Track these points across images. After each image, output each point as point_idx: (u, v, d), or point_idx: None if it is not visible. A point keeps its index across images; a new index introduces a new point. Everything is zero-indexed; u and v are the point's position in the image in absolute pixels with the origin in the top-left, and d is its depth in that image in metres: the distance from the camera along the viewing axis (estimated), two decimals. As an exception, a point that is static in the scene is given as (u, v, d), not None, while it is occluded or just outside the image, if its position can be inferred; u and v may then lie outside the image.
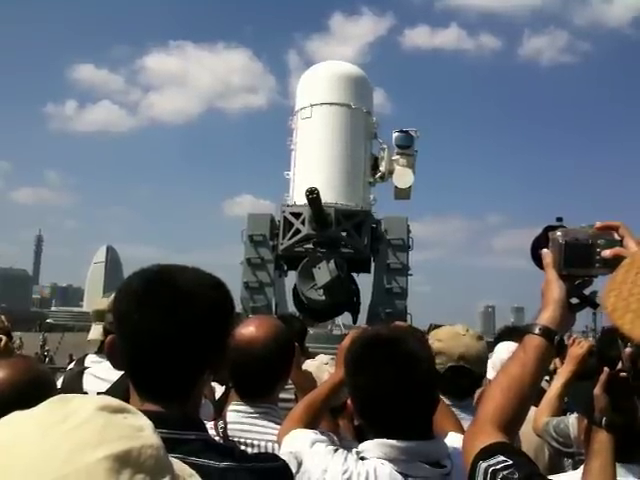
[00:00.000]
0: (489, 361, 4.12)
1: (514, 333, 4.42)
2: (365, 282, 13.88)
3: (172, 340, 1.25)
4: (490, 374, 3.19)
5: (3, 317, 3.30)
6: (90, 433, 0.69)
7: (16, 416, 0.73)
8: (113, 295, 2.19)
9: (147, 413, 1.21)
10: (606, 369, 1.98)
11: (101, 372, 2.93)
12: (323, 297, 12.36)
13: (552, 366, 4.95)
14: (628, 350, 1.46)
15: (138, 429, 0.73)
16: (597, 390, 2.01)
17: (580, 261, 1.43)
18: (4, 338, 3.07)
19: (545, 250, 1.48)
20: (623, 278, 0.87)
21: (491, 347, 4.56)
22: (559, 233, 1.46)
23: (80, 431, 0.69)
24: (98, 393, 2.55)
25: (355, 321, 14.17)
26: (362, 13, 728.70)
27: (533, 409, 3.06)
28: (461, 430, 2.09)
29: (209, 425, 1.99)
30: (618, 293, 0.85)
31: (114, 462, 0.67)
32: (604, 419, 1.97)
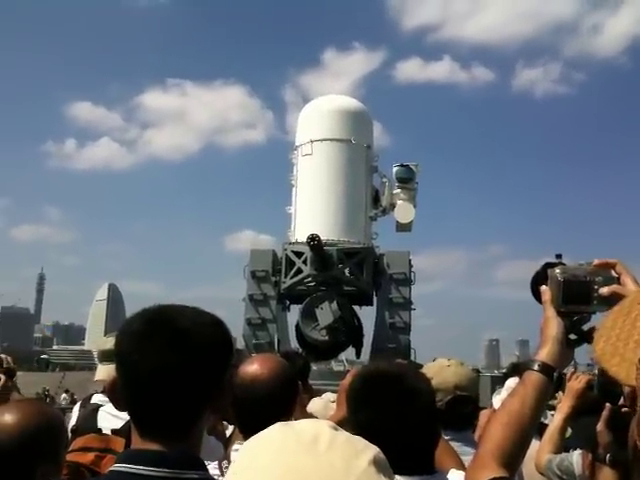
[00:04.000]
0: (498, 397, 4.13)
1: (520, 369, 4.47)
2: (368, 314, 13.87)
3: (172, 379, 1.27)
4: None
5: (9, 358, 3.30)
6: (345, 446, 0.84)
7: (268, 447, 0.85)
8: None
9: (148, 452, 1.25)
10: (608, 405, 1.99)
11: (115, 410, 2.94)
12: (326, 337, 12.35)
13: (556, 401, 4.94)
14: (628, 388, 1.48)
15: (365, 442, 0.89)
16: (600, 426, 2.01)
17: (578, 298, 1.46)
18: (3, 377, 3.08)
19: (544, 287, 1.51)
20: (612, 324, 0.90)
21: (498, 382, 4.58)
22: (558, 270, 1.49)
23: (337, 446, 0.83)
24: (112, 430, 2.56)
25: (358, 356, 14.12)
26: (354, 48, 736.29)
27: (536, 445, 3.05)
28: (461, 466, 2.09)
29: (214, 465, 1.99)
30: (607, 338, 0.89)
31: (375, 465, 0.84)
32: (608, 455, 1.97)
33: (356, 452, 0.83)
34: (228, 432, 3.27)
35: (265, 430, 0.90)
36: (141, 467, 1.22)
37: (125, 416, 1.35)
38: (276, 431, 0.88)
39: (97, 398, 3.28)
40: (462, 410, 2.78)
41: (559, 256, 1.54)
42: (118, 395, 1.35)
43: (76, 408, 3.53)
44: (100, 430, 2.70)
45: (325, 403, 3.36)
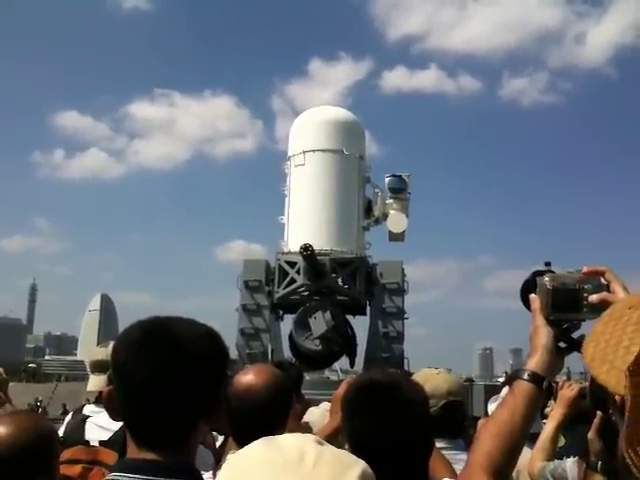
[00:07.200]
0: (493, 404, 4.14)
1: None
2: (361, 324, 13.86)
3: (168, 389, 1.28)
4: None
5: (0, 369, 3.29)
6: (332, 462, 0.82)
7: (252, 465, 0.83)
8: (110, 345, 2.20)
9: (145, 462, 1.26)
10: (599, 413, 2.00)
11: (103, 421, 2.93)
12: (319, 347, 12.34)
13: (549, 409, 4.95)
14: (618, 397, 1.49)
15: (353, 457, 0.88)
16: (591, 434, 2.02)
17: (568, 306, 1.45)
18: None
19: (533, 295, 1.50)
20: (602, 329, 0.89)
21: (492, 391, 4.57)
22: (547, 278, 1.48)
23: (324, 462, 0.81)
24: (100, 442, 2.55)
25: (352, 365, 14.10)
26: (340, 57, 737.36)
27: (529, 453, 3.05)
28: (454, 476, 2.09)
29: (208, 474, 2.00)
30: (596, 344, 0.88)
31: None
32: (599, 463, 1.98)
33: (343, 468, 0.82)
34: (218, 443, 3.27)
35: (248, 446, 0.88)
36: (138, 476, 1.23)
37: (113, 428, 1.36)
38: (260, 448, 0.86)
39: (88, 409, 3.26)
40: (454, 416, 2.81)
41: (548, 264, 1.53)
42: (114, 405, 1.36)
43: (67, 419, 3.51)
44: (88, 442, 2.69)
45: (322, 412, 3.36)
